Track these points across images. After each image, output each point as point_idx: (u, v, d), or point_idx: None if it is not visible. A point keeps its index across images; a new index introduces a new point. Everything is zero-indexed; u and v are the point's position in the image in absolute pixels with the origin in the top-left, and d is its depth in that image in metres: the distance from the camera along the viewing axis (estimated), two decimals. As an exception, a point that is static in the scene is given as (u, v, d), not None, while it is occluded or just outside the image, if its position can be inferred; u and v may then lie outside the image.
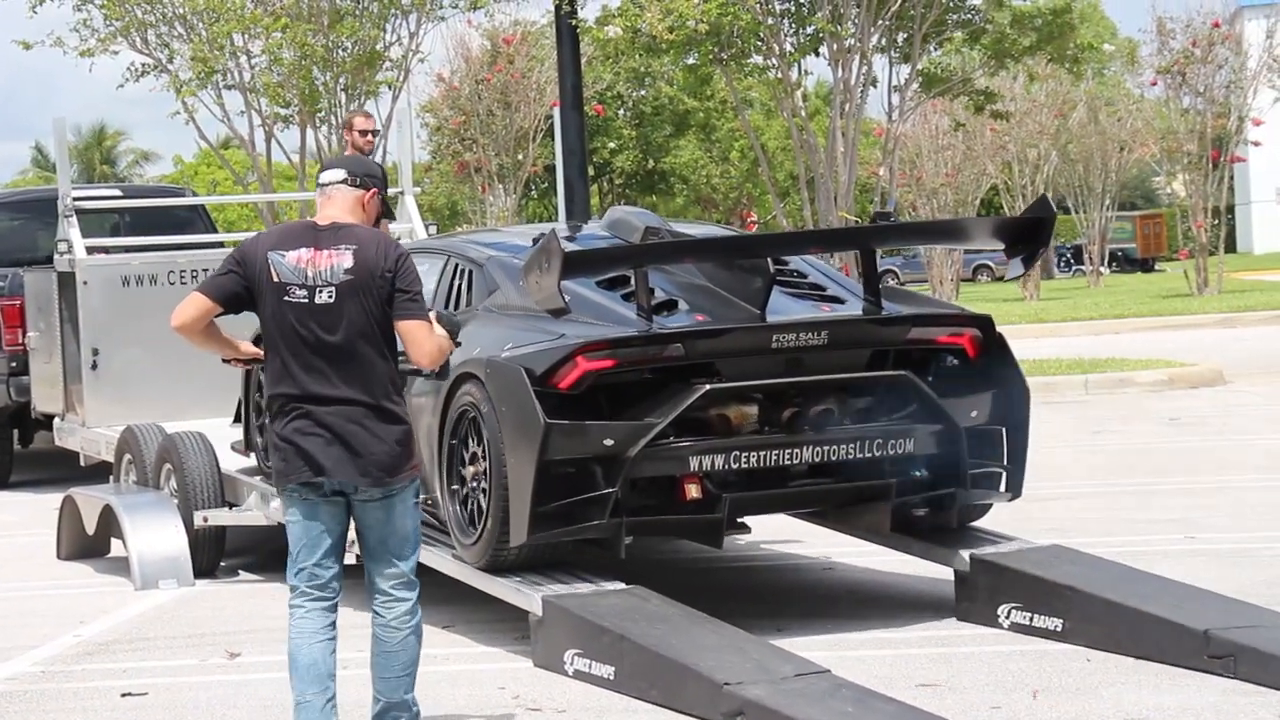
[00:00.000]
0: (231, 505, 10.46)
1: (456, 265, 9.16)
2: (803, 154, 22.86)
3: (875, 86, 22.92)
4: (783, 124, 48.49)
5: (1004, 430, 8.46)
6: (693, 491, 7.95)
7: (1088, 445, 15.03)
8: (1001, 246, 8.49)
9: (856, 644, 7.94)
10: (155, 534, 10.16)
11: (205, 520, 10.29)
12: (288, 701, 7.24)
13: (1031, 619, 7.84)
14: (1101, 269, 52.91)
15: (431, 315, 6.46)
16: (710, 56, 22.10)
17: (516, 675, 7.58)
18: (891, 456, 8.16)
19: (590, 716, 6.86)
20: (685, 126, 52.31)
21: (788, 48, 22.20)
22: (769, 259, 8.17)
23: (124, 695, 7.58)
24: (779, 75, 22.46)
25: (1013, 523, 10.41)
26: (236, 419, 10.93)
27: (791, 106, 22.71)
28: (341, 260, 6.19)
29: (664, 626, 7.25)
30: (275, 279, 6.21)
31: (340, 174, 6.42)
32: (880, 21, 21.86)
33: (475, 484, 8.17)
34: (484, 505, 8.04)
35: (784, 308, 8.25)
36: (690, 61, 23.87)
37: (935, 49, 23.81)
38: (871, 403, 8.23)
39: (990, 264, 67.80)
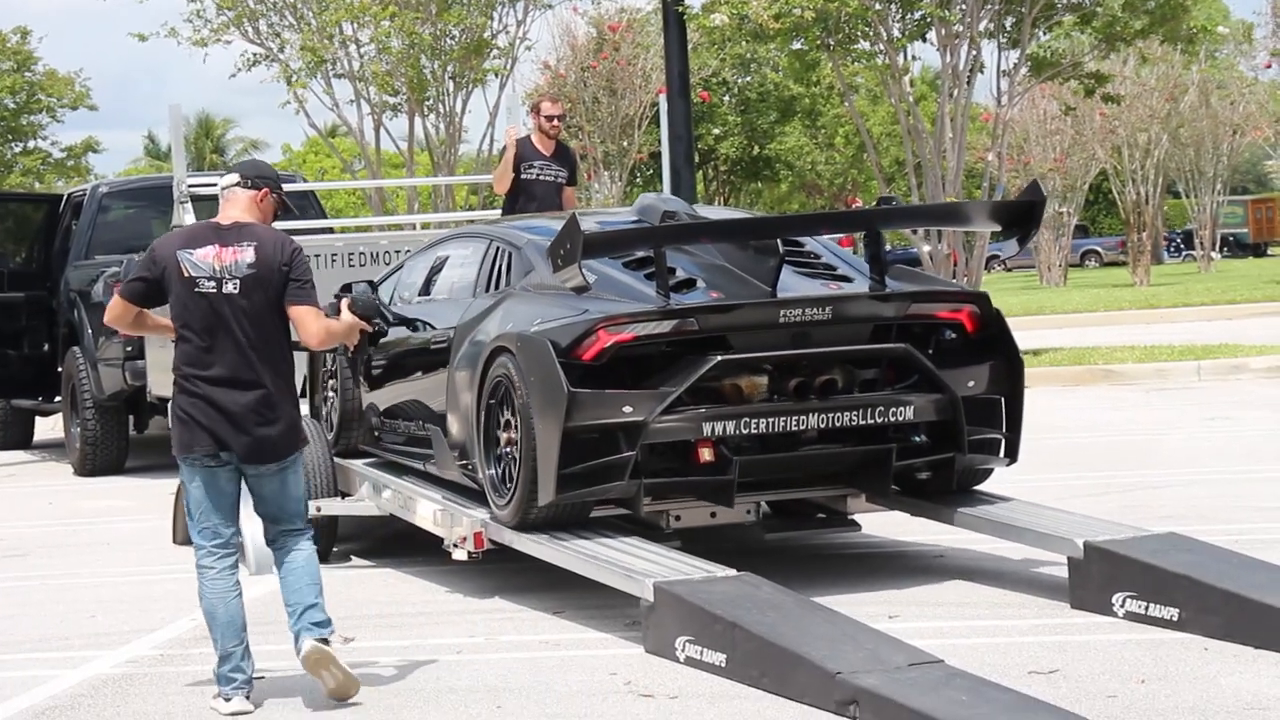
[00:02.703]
0: (344, 494, 10.55)
1: (499, 248, 9.78)
2: (910, 140, 22.74)
3: (983, 72, 22.76)
4: (888, 109, 48.23)
5: (1002, 400, 9.00)
6: (706, 455, 8.56)
7: (1202, 432, 14.86)
8: (999, 228, 9.24)
9: (969, 632, 7.91)
10: (269, 519, 10.23)
11: (319, 510, 10.36)
12: (403, 686, 7.36)
13: (1147, 608, 7.76)
14: (1213, 254, 52.31)
15: (345, 301, 7.46)
16: (817, 42, 22.01)
17: (628, 661, 7.60)
18: (893, 423, 8.75)
19: (703, 703, 6.86)
20: (790, 113, 52.11)
21: (895, 33, 22.06)
22: (779, 240, 8.71)
23: (241, 679, 7.65)
24: (886, 61, 22.33)
25: (1125, 510, 10.34)
26: (303, 393, 11.39)
27: (899, 92, 22.57)
28: (245, 255, 7.09)
29: (775, 614, 7.24)
30: (186, 274, 7.09)
31: (235, 178, 7.34)
32: (989, 6, 21.68)
33: (508, 449, 8.75)
34: (515, 468, 8.63)
35: (794, 285, 8.78)
36: (797, 47, 23.77)
37: (1044, 33, 23.56)
38: (874, 373, 8.84)
39: (1099, 250, 67.24)
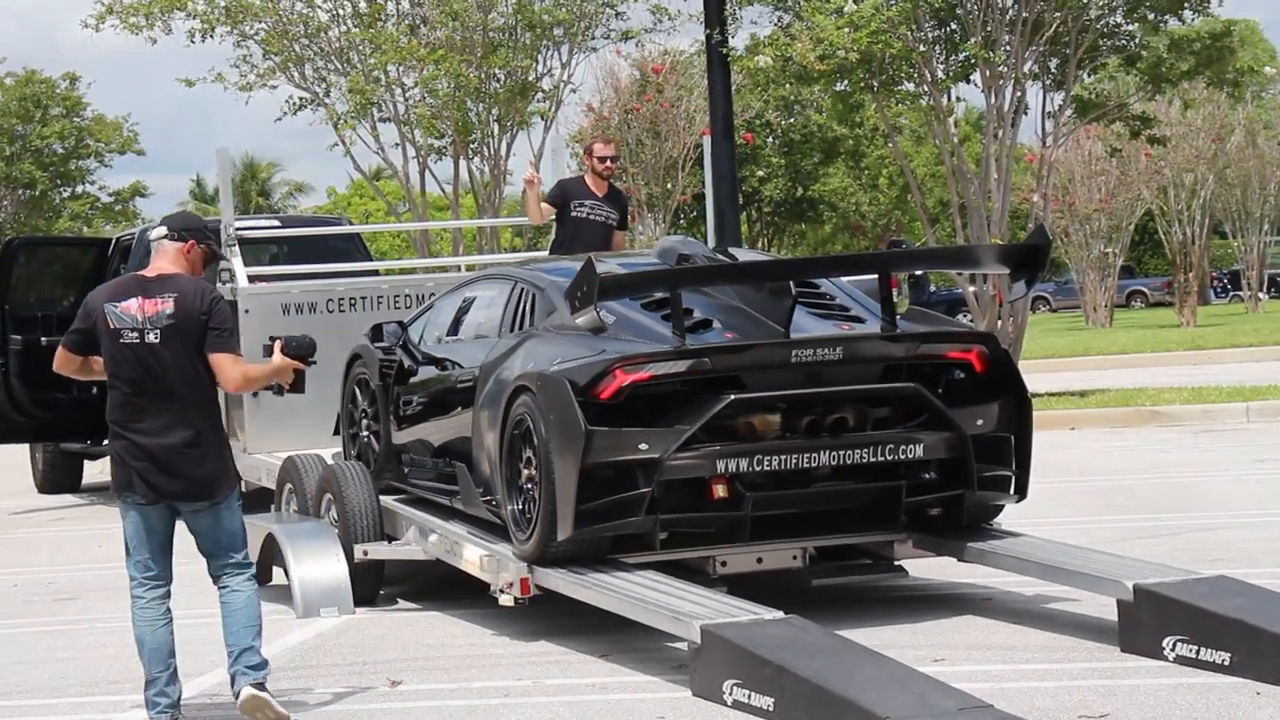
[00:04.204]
0: (390, 538, 10.56)
1: (523, 289, 10.05)
2: (955, 181, 22.70)
3: (1028, 113, 22.71)
4: (932, 150, 48.11)
5: (1011, 438, 9.18)
6: (720, 491, 8.81)
7: (1251, 473, 14.77)
8: (1006, 271, 9.55)
9: (1018, 675, 7.86)
10: (317, 562, 10.27)
11: (365, 554, 10.39)
12: (450, 729, 7.33)
13: (1198, 652, 7.71)
14: (1260, 294, 52.03)
15: (278, 343, 7.85)
16: (861, 84, 22.01)
17: (675, 704, 7.58)
18: (903, 461, 8.93)
19: (751, 747, 6.85)
20: (834, 154, 52.05)
21: (940, 74, 22.05)
22: (792, 282, 8.95)
23: (289, 722, 7.67)
24: (931, 102, 22.32)
25: (1175, 552, 10.28)
26: (336, 431, 11.91)
27: (943, 133, 22.55)
28: (165, 306, 7.46)
29: (823, 658, 7.22)
30: (111, 326, 7.49)
31: (162, 230, 7.69)
32: (1034, 47, 21.66)
33: (529, 485, 8.95)
34: (536, 504, 8.83)
35: (807, 326, 9.04)
36: (841, 88, 23.77)
37: (1089, 75, 23.50)
38: (884, 412, 9.03)
39: (1145, 290, 66.95)
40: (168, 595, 7.67)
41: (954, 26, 21.86)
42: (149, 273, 7.66)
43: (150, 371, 7.47)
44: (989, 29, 21.33)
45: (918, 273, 42.98)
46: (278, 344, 7.93)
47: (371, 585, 10.55)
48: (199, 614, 10.65)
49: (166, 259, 7.66)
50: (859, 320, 9.31)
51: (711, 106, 20.69)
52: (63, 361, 7.82)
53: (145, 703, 7.57)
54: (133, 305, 7.52)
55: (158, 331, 7.46)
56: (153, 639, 7.55)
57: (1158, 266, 68.08)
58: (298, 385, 8.02)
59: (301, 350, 7.92)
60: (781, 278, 9.11)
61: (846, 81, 22.22)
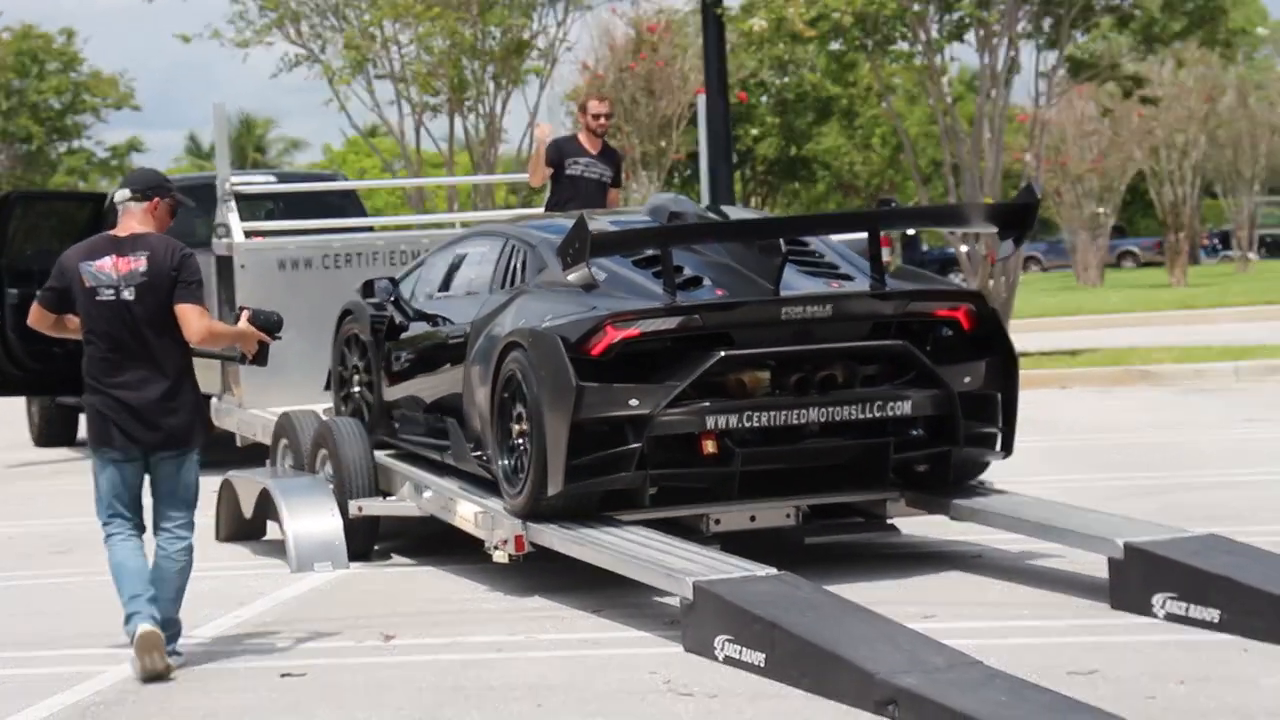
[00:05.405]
0: (385, 494, 10.61)
1: (514, 246, 10.08)
2: (948, 140, 22.71)
3: (1021, 73, 22.71)
4: (925, 110, 48.03)
5: (998, 395, 9.23)
6: (710, 447, 8.87)
7: (1239, 433, 14.83)
8: (995, 229, 9.57)
9: (1007, 632, 7.91)
10: (311, 517, 10.31)
11: (360, 510, 10.43)
12: (443, 684, 7.41)
13: (1188, 609, 7.76)
14: (1250, 254, 52.08)
15: (246, 313, 8.03)
16: (855, 43, 22.00)
17: (667, 660, 7.63)
18: (891, 417, 9.01)
19: (742, 702, 6.89)
20: (828, 113, 51.98)
21: (933, 34, 22.05)
22: (782, 240, 8.98)
23: (283, 676, 7.71)
24: (924, 61, 22.32)
25: (1165, 510, 10.32)
26: (327, 386, 12.02)
27: (936, 93, 22.55)
28: (138, 264, 7.68)
29: (814, 614, 7.26)
30: (87, 284, 7.72)
31: (126, 193, 7.88)
32: (1027, 7, 21.64)
33: (520, 441, 9.02)
34: (526, 460, 8.91)
35: (797, 284, 9.09)
36: (834, 47, 23.74)
37: (1082, 34, 23.50)
38: (873, 369, 9.12)
39: (1136, 250, 66.98)
40: (142, 540, 7.88)
41: (948, -14, 21.83)
42: (120, 232, 7.82)
43: (126, 327, 7.68)
44: (983, -12, 21.30)
45: (910, 232, 42.98)
46: (245, 314, 8.08)
47: (366, 540, 10.60)
48: (195, 568, 10.71)
49: (134, 219, 7.84)
50: (848, 278, 9.37)
51: (706, 66, 20.67)
52: (37, 318, 8.05)
53: (125, 619, 7.67)
54: (107, 263, 7.72)
55: (133, 289, 7.68)
56: (133, 562, 7.74)
57: (1149, 227, 68.09)
58: (260, 357, 8.18)
59: (269, 325, 8.08)
60: (772, 236, 9.18)
61: (841, 41, 22.21)
